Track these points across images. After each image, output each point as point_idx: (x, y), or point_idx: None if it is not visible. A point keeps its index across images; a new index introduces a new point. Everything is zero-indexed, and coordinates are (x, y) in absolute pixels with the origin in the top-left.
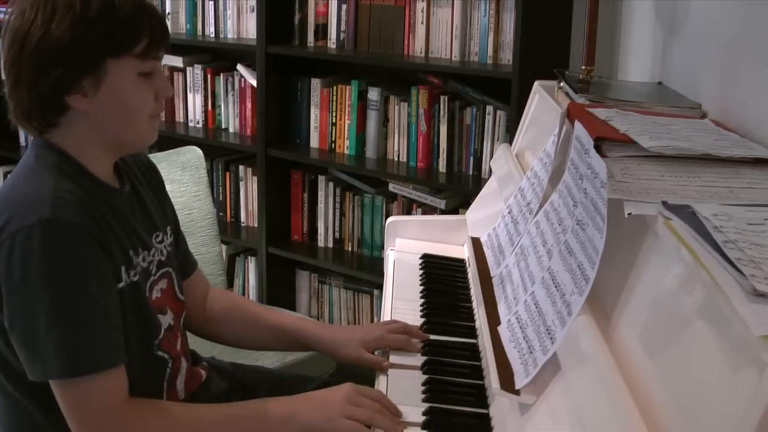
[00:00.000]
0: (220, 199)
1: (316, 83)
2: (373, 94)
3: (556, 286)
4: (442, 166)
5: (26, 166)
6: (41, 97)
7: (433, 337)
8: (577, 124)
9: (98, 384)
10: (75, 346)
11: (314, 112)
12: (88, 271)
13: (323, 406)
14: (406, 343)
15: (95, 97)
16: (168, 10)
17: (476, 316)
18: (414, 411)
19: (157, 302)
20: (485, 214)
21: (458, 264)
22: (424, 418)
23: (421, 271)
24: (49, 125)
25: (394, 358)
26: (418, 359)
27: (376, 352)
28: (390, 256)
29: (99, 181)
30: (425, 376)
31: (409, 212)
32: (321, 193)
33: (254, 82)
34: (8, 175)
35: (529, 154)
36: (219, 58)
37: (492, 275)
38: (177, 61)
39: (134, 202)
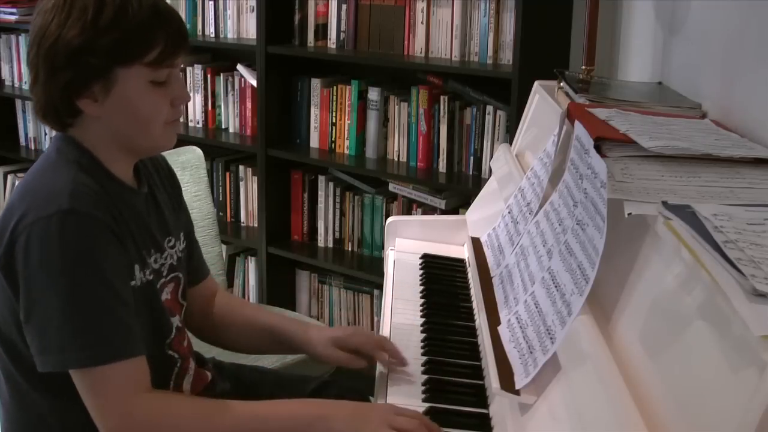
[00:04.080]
0: (220, 199)
1: (316, 83)
2: (373, 94)
3: (556, 286)
4: (442, 166)
5: (47, 159)
6: (53, 99)
7: (433, 337)
8: (577, 124)
9: (118, 373)
10: (94, 334)
11: (314, 112)
12: (105, 261)
13: (357, 419)
14: (373, 351)
15: (105, 102)
16: None
17: (476, 316)
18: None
19: (167, 304)
20: (485, 214)
21: (458, 264)
22: None
23: (421, 271)
24: (65, 125)
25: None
26: (419, 359)
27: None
28: (390, 256)
29: (116, 179)
30: (425, 376)
31: (409, 212)
32: (321, 193)
33: (254, 82)
34: (27, 170)
35: (529, 154)
36: (219, 58)
37: (492, 275)
38: None
39: (150, 203)
